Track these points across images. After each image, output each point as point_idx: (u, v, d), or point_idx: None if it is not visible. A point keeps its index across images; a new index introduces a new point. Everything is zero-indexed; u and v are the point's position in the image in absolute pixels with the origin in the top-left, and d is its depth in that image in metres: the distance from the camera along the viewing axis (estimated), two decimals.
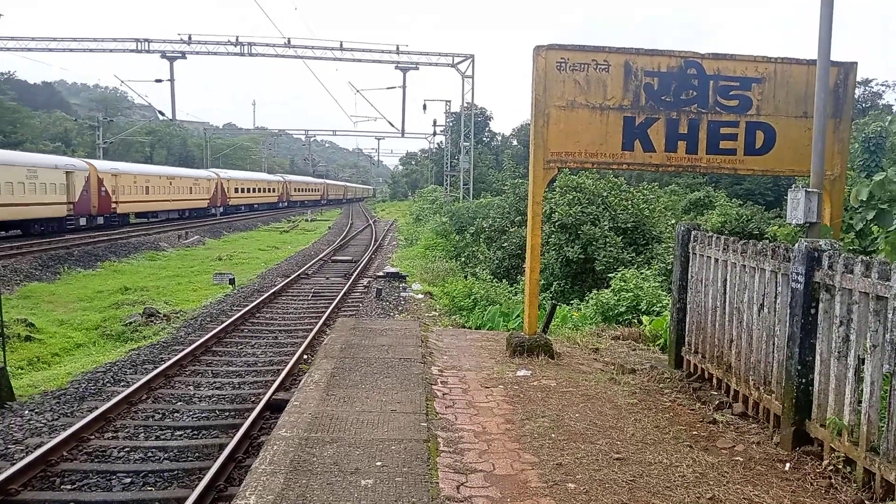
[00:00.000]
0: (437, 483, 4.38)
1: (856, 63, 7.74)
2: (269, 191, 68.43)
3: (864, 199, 7.36)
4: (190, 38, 39.38)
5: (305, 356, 10.04)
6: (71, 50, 39.85)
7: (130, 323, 13.37)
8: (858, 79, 7.96)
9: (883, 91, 48.85)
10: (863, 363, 4.45)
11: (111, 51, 40.03)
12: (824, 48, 6.52)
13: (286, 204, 73.01)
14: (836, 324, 4.70)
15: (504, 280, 17.81)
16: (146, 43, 39.65)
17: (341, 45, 39.03)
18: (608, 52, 7.71)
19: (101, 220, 34.61)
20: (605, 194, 19.50)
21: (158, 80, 42.01)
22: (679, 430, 5.61)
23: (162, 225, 38.98)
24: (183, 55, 40.41)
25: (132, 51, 39.58)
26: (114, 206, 36.11)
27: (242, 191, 59.78)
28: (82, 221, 32.50)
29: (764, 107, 7.75)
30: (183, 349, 10.37)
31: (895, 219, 6.97)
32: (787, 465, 4.83)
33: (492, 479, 4.55)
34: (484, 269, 20.16)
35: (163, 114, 49.34)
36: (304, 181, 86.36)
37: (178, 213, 45.96)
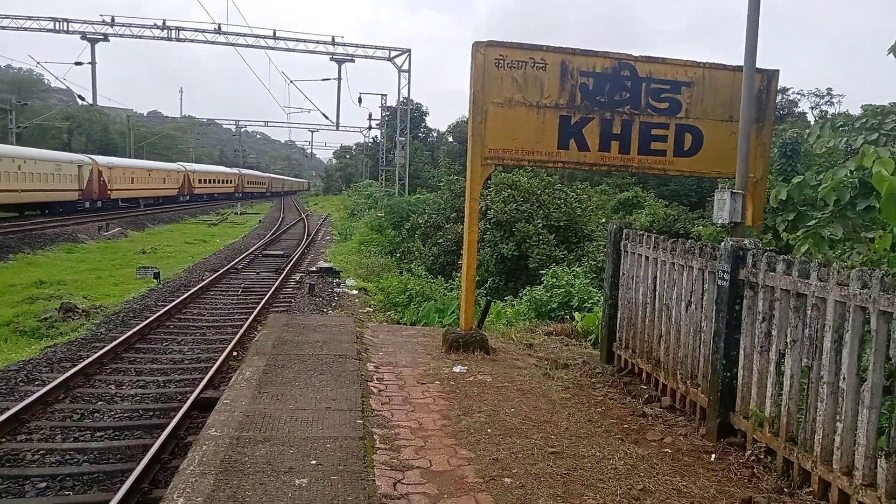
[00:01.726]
0: (374, 481, 4.32)
1: (778, 70, 8.12)
2: (226, 182, 76.60)
3: (783, 200, 7.75)
4: (113, 19, 37.54)
5: (235, 353, 9.75)
6: None
7: (46, 318, 12.62)
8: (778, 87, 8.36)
9: (798, 100, 51.57)
10: (783, 357, 4.67)
11: (25, 29, 37.66)
12: (750, 56, 6.80)
13: (241, 195, 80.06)
14: (759, 320, 4.92)
15: (439, 276, 17.85)
16: (65, 23, 37.53)
17: (275, 33, 38.06)
18: (545, 50, 7.80)
19: (99, 204, 42.90)
20: (538, 192, 19.81)
21: (78, 63, 39.75)
22: (611, 423, 5.75)
23: (81, 215, 37.12)
24: (105, 37, 38.41)
25: (49, 30, 37.35)
26: (109, 192, 44.56)
27: (205, 182, 68.38)
28: (87, 204, 40.80)
29: (693, 110, 8.02)
30: (104, 346, 9.87)
31: (813, 219, 7.37)
32: (713, 455, 5.02)
33: (429, 475, 4.53)
34: (419, 265, 20.13)
35: (82, 98, 46.88)
36: (255, 175, 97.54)
37: (153, 200, 53.48)
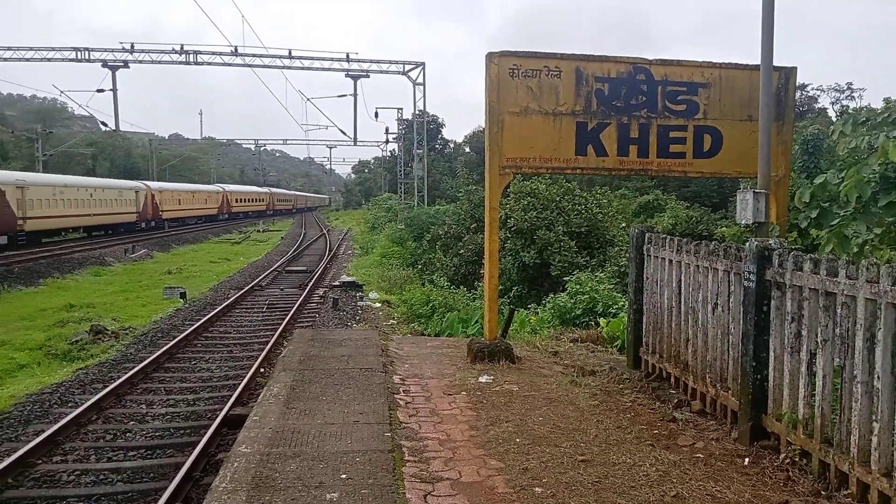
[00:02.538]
0: (404, 493, 4.32)
1: (795, 67, 8.03)
2: (259, 201, 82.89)
3: (808, 201, 7.66)
4: (133, 46, 38.34)
5: (262, 369, 9.83)
6: (5, 59, 38.28)
7: (77, 341, 12.86)
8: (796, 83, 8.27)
9: (818, 96, 50.95)
10: (815, 358, 4.59)
11: (49, 60, 38.58)
12: (766, 54, 6.74)
13: (272, 212, 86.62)
14: (788, 320, 4.85)
15: (461, 286, 17.85)
16: (86, 52, 38.41)
17: (290, 53, 38.60)
18: (559, 58, 7.81)
19: (153, 224, 48.23)
20: (558, 199, 19.76)
21: (100, 90, 40.59)
22: (640, 429, 5.69)
23: (109, 240, 37.81)
24: (125, 64, 39.26)
25: (72, 59, 38.27)
26: (160, 213, 49.92)
27: (241, 201, 75.72)
28: (143, 224, 46.29)
29: (711, 111, 7.96)
30: (133, 367, 10.02)
31: (836, 217, 7.27)
32: (746, 459, 4.94)
33: (459, 486, 4.52)
34: (441, 276, 20.16)
35: (105, 125, 47.78)
36: (283, 193, 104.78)
37: (196, 219, 58.77)
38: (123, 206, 43.49)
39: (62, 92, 44.02)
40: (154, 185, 50.98)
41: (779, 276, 4.94)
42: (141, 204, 46.05)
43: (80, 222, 38.08)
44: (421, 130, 42.46)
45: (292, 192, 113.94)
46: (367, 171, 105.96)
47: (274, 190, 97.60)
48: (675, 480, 4.60)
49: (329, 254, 30.91)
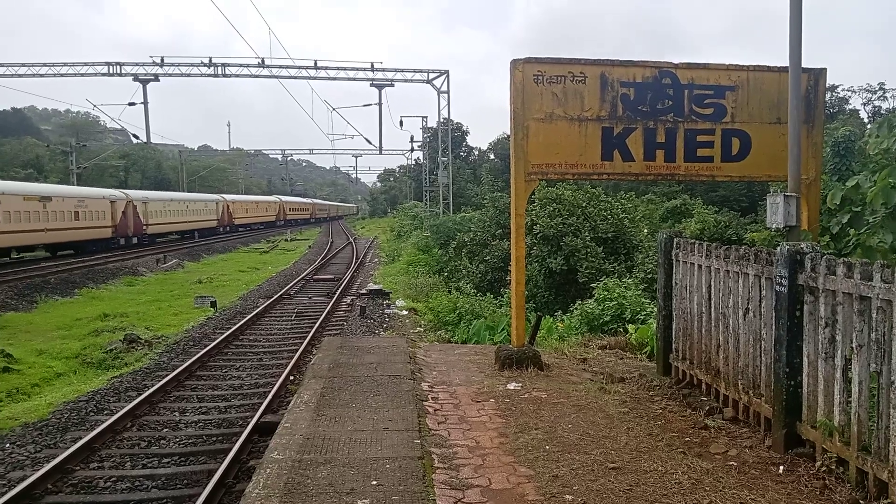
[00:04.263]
0: (434, 500, 4.34)
1: (825, 69, 7.92)
2: (305, 210, 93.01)
3: (839, 203, 7.53)
4: (163, 60, 39.21)
5: (292, 377, 9.94)
6: (41, 75, 39.39)
7: (111, 350, 13.13)
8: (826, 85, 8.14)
9: (849, 97, 50.02)
10: (850, 363, 4.51)
11: (82, 75, 39.63)
12: (795, 55, 6.67)
13: (314, 220, 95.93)
14: (822, 325, 4.77)
15: (488, 293, 17.82)
16: (118, 66, 39.40)
17: (316, 63, 39.09)
18: (584, 64, 7.81)
19: (229, 229, 57.32)
20: (584, 205, 19.66)
21: (132, 104, 41.67)
22: (672, 437, 5.64)
23: (141, 250, 38.53)
24: (156, 77, 40.21)
25: (104, 74, 39.30)
26: (233, 220, 58.96)
27: (294, 210, 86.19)
28: (221, 230, 55.78)
29: (739, 114, 7.88)
30: (166, 375, 10.21)
31: (866, 223, 7.13)
32: (781, 467, 4.87)
33: (489, 493, 4.53)
34: (467, 283, 20.16)
35: (136, 137, 49.01)
36: (323, 203, 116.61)
37: (260, 224, 67.47)
38: (208, 215, 53.50)
39: (95, 106, 45.28)
40: (229, 196, 62.50)
41: (811, 280, 4.87)
42: (219, 212, 55.88)
43: (179, 227, 47.83)
44: (445, 138, 42.61)
45: (328, 203, 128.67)
46: (392, 179, 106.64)
47: (316, 201, 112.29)
48: (707, 488, 4.54)
49: (356, 262, 31.13)
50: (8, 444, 7.54)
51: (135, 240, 39.51)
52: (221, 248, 43.63)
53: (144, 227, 40.91)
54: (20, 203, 28.33)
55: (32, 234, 29.34)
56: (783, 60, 7.01)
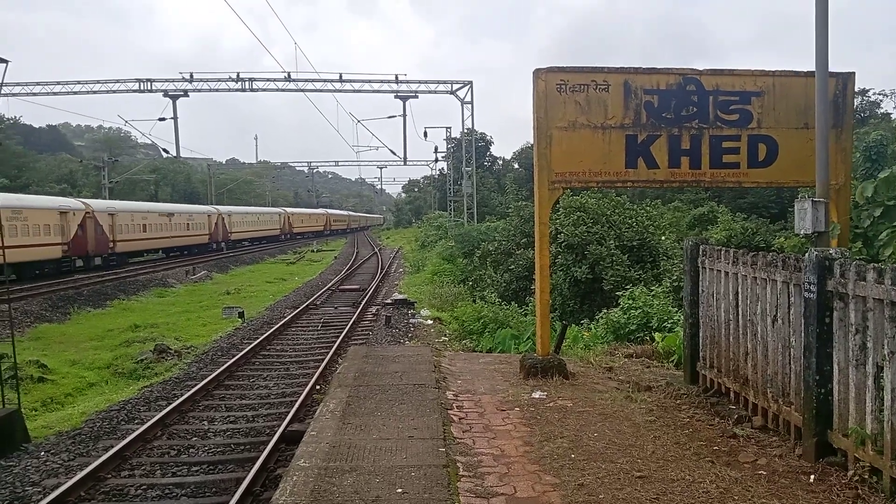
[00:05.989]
0: None
1: (853, 73, 7.82)
2: (342, 222, 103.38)
3: (870, 196, 7.39)
4: (192, 76, 39.95)
5: (318, 386, 10.02)
6: (75, 93, 40.38)
7: (142, 360, 13.37)
8: (855, 89, 8.02)
9: (881, 100, 48.98)
10: (881, 371, 4.43)
11: (114, 91, 40.55)
12: (822, 60, 6.59)
13: (350, 230, 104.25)
14: (852, 332, 4.70)
15: (513, 302, 17.76)
16: (149, 83, 40.22)
17: (341, 76, 39.53)
18: (607, 72, 7.81)
19: (289, 237, 69.90)
20: (608, 213, 19.54)
21: (162, 119, 42.41)
22: (699, 445, 5.57)
23: (171, 261, 39.23)
24: (185, 93, 40.92)
25: (135, 91, 40.13)
26: (293, 230, 71.73)
27: (335, 221, 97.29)
28: (283, 237, 68.09)
29: (765, 120, 7.81)
30: (195, 384, 10.35)
31: None
32: (812, 476, 4.78)
33: (514, 501, 4.52)
34: (492, 293, 20.11)
35: (167, 151, 49.84)
36: (358, 216, 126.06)
37: (313, 234, 78.43)
38: (273, 224, 65.71)
39: (126, 122, 46.27)
40: (289, 209, 74.65)
41: (841, 286, 4.80)
42: (282, 223, 68.54)
43: (253, 235, 58.89)
44: (469, 148, 42.71)
45: (359, 214, 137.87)
46: (416, 189, 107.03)
47: (351, 213, 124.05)
48: (737, 498, 4.48)
49: (381, 272, 31.28)
50: (43, 453, 7.71)
51: (223, 244, 50.65)
52: (249, 259, 44.20)
53: (229, 234, 52.64)
54: (156, 218, 40.76)
55: (161, 240, 41.51)
56: (811, 66, 6.94)
